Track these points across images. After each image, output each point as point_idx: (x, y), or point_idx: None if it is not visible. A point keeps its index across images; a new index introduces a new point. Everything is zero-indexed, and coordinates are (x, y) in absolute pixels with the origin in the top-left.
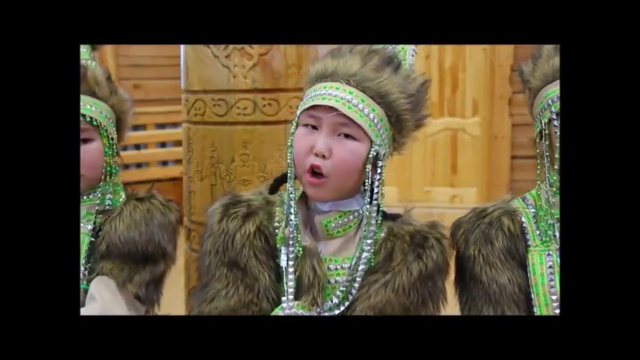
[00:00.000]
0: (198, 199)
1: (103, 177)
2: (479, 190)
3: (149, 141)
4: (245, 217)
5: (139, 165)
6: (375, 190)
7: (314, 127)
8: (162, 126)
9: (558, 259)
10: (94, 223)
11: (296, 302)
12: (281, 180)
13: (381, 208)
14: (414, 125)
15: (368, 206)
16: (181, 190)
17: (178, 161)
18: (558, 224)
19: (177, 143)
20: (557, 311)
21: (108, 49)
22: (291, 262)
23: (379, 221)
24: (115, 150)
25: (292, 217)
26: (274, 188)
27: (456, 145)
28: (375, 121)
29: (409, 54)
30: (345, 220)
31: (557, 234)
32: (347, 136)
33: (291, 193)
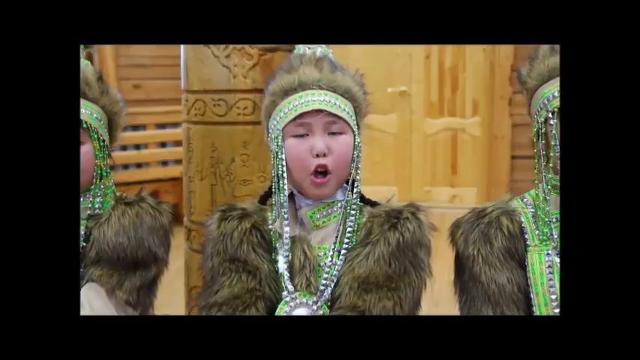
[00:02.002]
0: (198, 199)
1: (93, 180)
2: (479, 190)
3: (149, 141)
4: (240, 217)
5: (139, 165)
6: (357, 178)
7: (301, 136)
8: (162, 126)
9: (557, 259)
10: (85, 227)
11: (296, 293)
12: (268, 194)
13: (359, 190)
14: (365, 112)
15: (349, 193)
16: (181, 190)
17: (178, 161)
18: (557, 224)
19: (178, 143)
20: (557, 311)
21: (108, 49)
22: (285, 255)
23: (358, 203)
24: (106, 152)
25: (284, 211)
26: (264, 201)
27: (456, 145)
28: (350, 113)
29: (331, 56)
30: (330, 210)
31: (556, 233)
32: (334, 133)
33: (284, 191)
